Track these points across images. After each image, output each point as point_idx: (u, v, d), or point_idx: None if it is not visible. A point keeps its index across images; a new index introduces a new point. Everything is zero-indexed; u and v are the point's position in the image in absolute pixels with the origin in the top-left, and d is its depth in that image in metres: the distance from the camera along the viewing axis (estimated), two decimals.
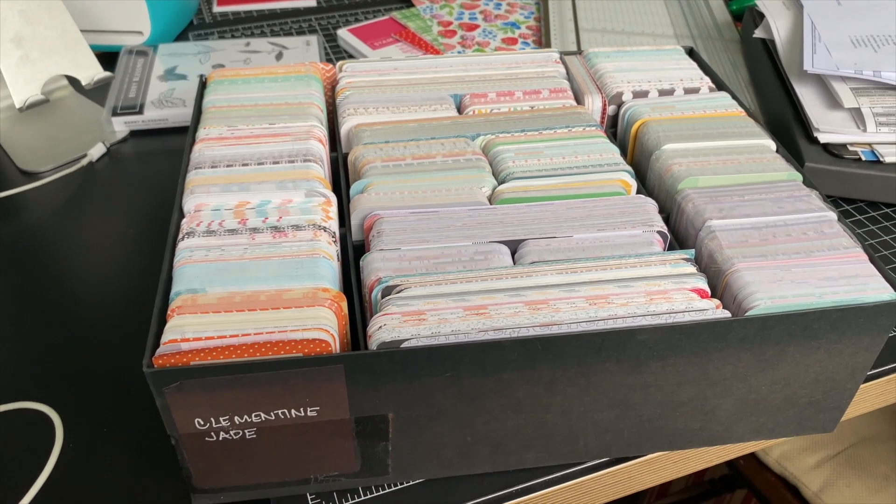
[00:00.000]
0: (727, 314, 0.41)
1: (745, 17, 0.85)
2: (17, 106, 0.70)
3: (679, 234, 0.50)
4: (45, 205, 0.66)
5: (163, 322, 0.41)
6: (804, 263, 0.43)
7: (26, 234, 0.63)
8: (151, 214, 0.65)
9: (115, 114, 0.73)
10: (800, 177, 0.50)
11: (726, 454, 0.52)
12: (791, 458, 0.84)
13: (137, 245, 0.61)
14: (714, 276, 0.45)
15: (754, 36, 0.77)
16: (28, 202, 0.66)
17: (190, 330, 0.39)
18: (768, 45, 0.76)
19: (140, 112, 0.73)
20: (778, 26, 0.76)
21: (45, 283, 0.58)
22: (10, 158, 0.70)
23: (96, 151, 0.70)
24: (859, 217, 0.65)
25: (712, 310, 0.41)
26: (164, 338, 0.39)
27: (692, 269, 0.43)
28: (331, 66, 0.62)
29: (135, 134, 0.74)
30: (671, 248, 0.48)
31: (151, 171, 0.70)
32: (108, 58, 0.82)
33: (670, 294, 0.41)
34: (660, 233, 0.46)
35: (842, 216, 0.47)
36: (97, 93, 0.78)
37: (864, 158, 0.63)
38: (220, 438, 0.41)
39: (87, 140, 0.72)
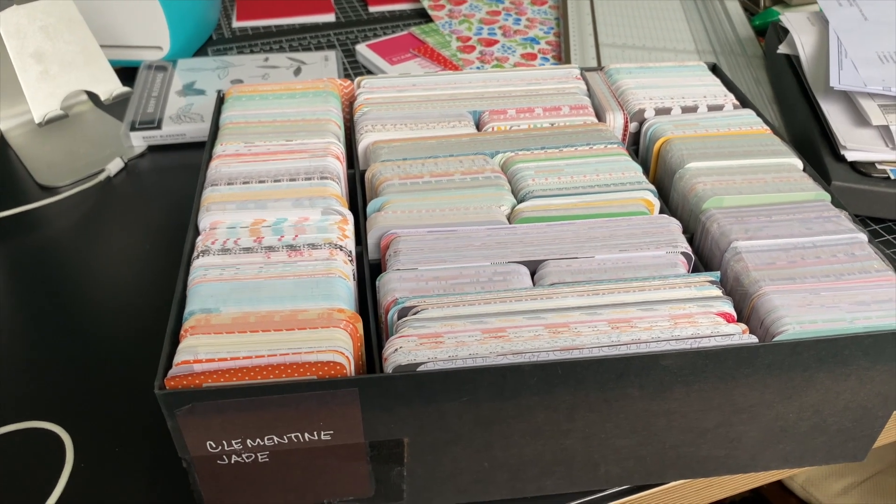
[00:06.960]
0: (754, 339, 0.39)
1: (769, 32, 0.83)
2: (37, 121, 0.70)
3: (704, 255, 0.49)
4: (62, 220, 0.65)
5: (176, 342, 0.40)
6: (834, 287, 0.42)
7: (43, 249, 0.62)
8: (168, 230, 0.64)
9: (133, 129, 0.73)
10: (828, 196, 0.49)
11: (751, 482, 0.50)
12: (816, 483, 0.82)
13: (154, 261, 0.61)
14: (740, 299, 0.44)
15: (778, 52, 0.76)
16: (46, 217, 0.66)
17: (203, 351, 0.38)
18: (792, 61, 0.75)
19: (158, 127, 0.73)
20: (802, 42, 0.74)
21: (59, 299, 0.58)
22: (29, 173, 0.70)
23: (114, 166, 0.70)
24: (888, 237, 0.63)
25: (739, 335, 0.39)
26: (177, 359, 0.38)
27: (718, 291, 0.42)
28: (349, 82, 0.62)
29: (153, 149, 0.74)
30: (696, 269, 0.47)
31: (168, 187, 0.69)
32: (127, 73, 0.83)
33: (695, 318, 0.40)
34: (684, 254, 0.45)
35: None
36: (116, 108, 0.78)
37: (892, 177, 0.62)
38: (233, 461, 0.40)
39: (106, 155, 0.72)
